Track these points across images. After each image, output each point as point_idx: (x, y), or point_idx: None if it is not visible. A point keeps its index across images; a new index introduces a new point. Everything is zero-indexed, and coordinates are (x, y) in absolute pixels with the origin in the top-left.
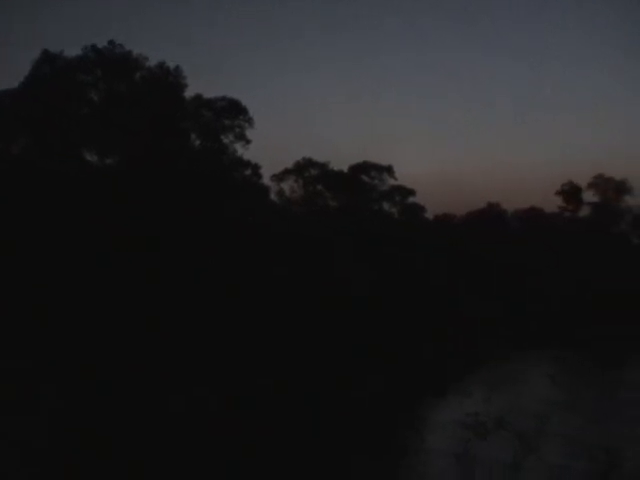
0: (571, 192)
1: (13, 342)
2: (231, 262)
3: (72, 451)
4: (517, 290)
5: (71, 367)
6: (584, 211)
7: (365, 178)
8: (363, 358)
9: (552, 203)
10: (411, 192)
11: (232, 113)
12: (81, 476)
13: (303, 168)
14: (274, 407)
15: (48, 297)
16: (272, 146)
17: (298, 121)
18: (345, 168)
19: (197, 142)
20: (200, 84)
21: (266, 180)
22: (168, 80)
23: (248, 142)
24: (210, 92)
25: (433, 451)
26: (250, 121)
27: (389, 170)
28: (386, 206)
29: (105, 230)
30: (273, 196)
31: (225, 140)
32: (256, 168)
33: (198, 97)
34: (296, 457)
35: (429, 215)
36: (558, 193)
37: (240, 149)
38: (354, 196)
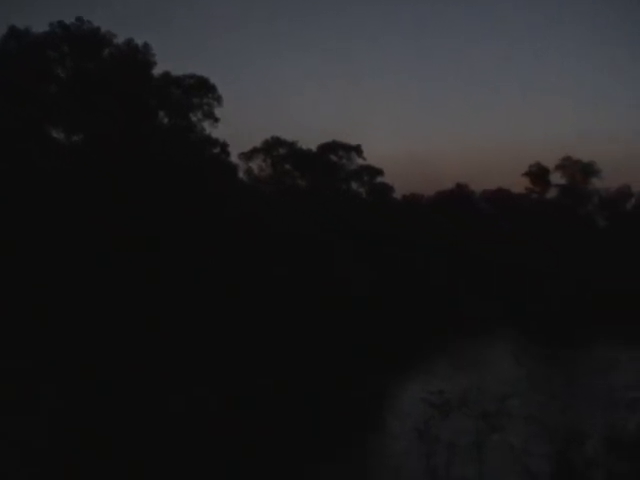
0: (538, 174)
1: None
2: (205, 244)
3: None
4: (485, 269)
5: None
6: (551, 193)
7: (333, 158)
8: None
9: (520, 185)
10: (379, 172)
11: (201, 91)
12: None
13: (272, 147)
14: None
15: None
16: (241, 125)
17: (268, 100)
18: (314, 147)
19: (165, 120)
20: (169, 62)
21: (235, 159)
22: (137, 57)
23: (217, 120)
24: (179, 70)
25: (399, 429)
26: (219, 99)
27: (357, 150)
28: (354, 186)
29: (72, 209)
30: (242, 175)
31: (193, 118)
32: (224, 146)
33: (166, 75)
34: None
35: (397, 195)
36: (525, 175)
37: (209, 127)
38: (322, 176)
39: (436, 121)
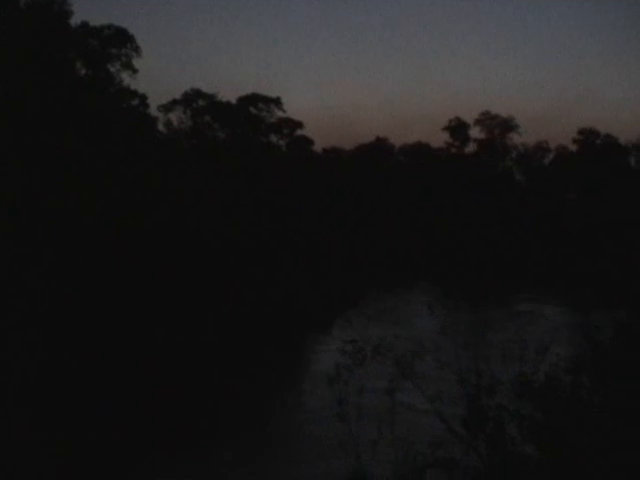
0: (458, 128)
1: None
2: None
3: None
4: (403, 223)
5: None
6: (471, 147)
7: (253, 110)
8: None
9: (440, 139)
10: (299, 125)
11: (119, 42)
12: None
13: (191, 99)
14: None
15: None
16: (162, 77)
17: (188, 52)
18: (234, 100)
19: (82, 71)
20: (87, 12)
21: (154, 111)
22: (53, 7)
23: (135, 71)
24: (97, 21)
25: (315, 379)
26: (137, 50)
27: (277, 102)
28: (274, 138)
29: None
30: (161, 127)
31: (112, 69)
32: (143, 98)
33: (84, 25)
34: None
35: (318, 148)
36: (445, 129)
37: (127, 78)
38: (242, 128)
39: (357, 75)
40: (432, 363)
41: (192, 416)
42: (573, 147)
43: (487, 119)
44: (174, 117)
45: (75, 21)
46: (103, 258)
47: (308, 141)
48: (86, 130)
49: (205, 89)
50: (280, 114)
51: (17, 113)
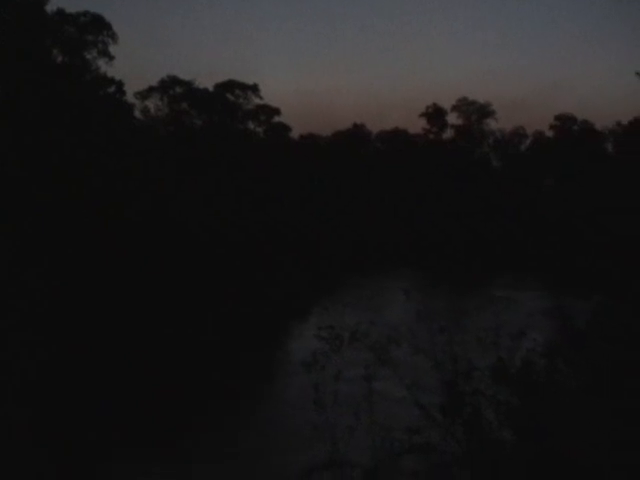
0: (435, 114)
1: None
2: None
3: None
4: (380, 209)
5: None
6: (448, 134)
7: (230, 97)
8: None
9: (418, 126)
10: (276, 111)
11: (95, 28)
12: None
13: (168, 86)
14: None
15: None
16: (139, 64)
17: (165, 39)
18: (211, 87)
19: (59, 58)
20: None
21: (131, 98)
22: None
23: (112, 58)
24: (73, 7)
25: (292, 365)
26: (114, 37)
27: (254, 89)
28: (251, 125)
29: None
30: (138, 114)
31: (88, 56)
32: (120, 85)
33: (60, 12)
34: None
35: (295, 135)
36: (422, 115)
37: (104, 65)
38: (219, 115)
39: (333, 61)
40: (408, 349)
41: (173, 411)
42: (550, 133)
43: (464, 105)
44: (151, 104)
45: (51, 8)
46: (91, 252)
47: (285, 128)
48: (66, 119)
49: (182, 76)
50: (257, 101)
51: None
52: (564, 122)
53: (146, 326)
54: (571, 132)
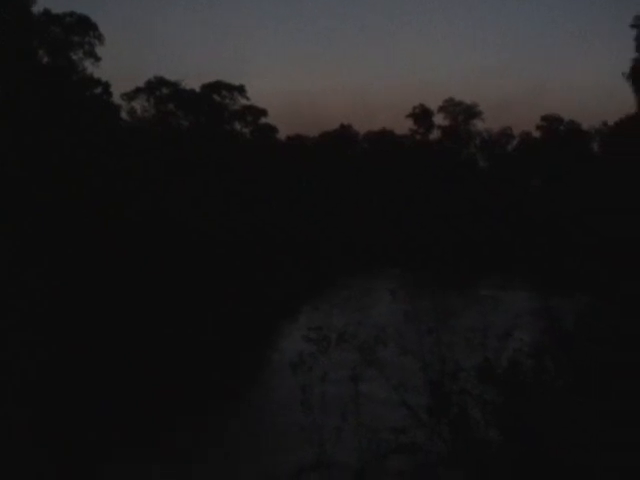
0: (422, 115)
1: None
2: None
3: None
4: (367, 209)
5: None
6: (435, 134)
7: (217, 98)
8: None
9: (405, 127)
10: (263, 112)
11: (81, 29)
12: None
13: (154, 87)
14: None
15: None
16: (125, 65)
17: (151, 39)
18: (197, 88)
19: (45, 59)
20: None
21: (117, 99)
22: None
23: (98, 59)
24: (59, 8)
25: (281, 366)
26: (100, 38)
27: (241, 90)
28: (238, 126)
29: None
30: (125, 115)
31: (74, 57)
32: (107, 86)
33: (47, 12)
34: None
35: (282, 136)
36: (409, 116)
37: (90, 67)
38: (206, 116)
39: (320, 62)
40: (395, 350)
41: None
42: (537, 133)
43: (451, 106)
44: (137, 105)
45: (37, 9)
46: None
47: (272, 129)
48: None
49: (169, 77)
50: (244, 102)
51: None
52: (551, 122)
53: (146, 326)
54: (557, 132)
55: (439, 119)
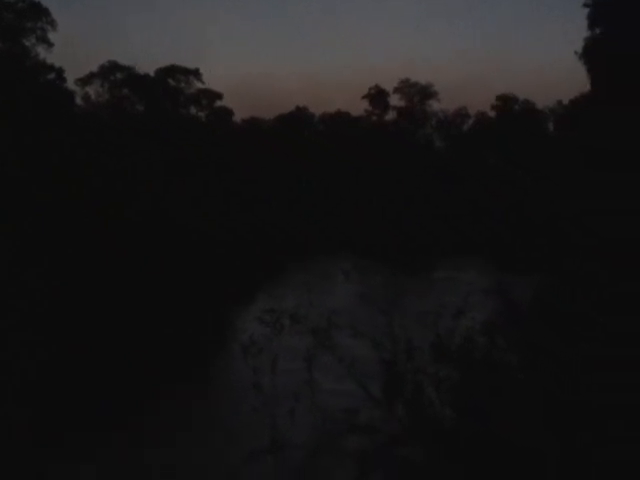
0: (377, 96)
1: None
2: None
3: None
4: (323, 193)
5: None
6: (391, 115)
7: (172, 82)
8: None
9: (360, 108)
10: (218, 96)
11: (34, 15)
12: None
13: (108, 71)
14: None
15: None
16: (78, 50)
17: (105, 24)
18: (152, 72)
19: None
20: None
21: (71, 85)
22: None
23: (51, 45)
24: None
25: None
26: (53, 23)
27: (196, 73)
28: (193, 110)
29: None
30: (79, 101)
31: (27, 43)
32: (60, 72)
33: None
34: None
35: (237, 119)
36: (365, 97)
37: (43, 52)
38: (161, 100)
39: (274, 44)
40: (349, 332)
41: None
42: (492, 113)
43: (406, 87)
44: (92, 91)
45: None
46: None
47: (228, 112)
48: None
49: (123, 61)
50: (199, 85)
51: None
52: (505, 102)
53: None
54: (512, 112)
55: (395, 100)
